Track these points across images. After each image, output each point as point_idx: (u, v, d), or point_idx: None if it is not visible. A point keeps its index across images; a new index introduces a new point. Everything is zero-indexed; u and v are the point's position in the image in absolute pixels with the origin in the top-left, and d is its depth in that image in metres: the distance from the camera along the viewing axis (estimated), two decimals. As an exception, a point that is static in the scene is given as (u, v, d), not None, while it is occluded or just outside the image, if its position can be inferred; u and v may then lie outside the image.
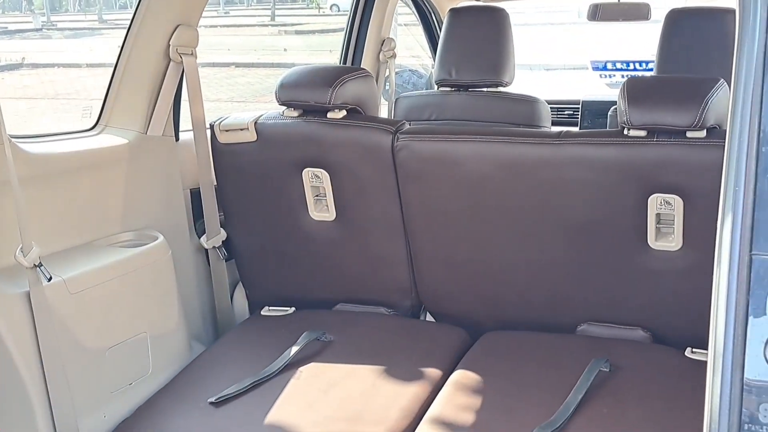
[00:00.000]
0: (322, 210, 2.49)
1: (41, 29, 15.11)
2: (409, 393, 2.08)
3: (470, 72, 3.27)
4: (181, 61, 2.42)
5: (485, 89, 3.30)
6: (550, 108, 3.44)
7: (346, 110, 2.40)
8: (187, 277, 2.58)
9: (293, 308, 2.60)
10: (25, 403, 1.94)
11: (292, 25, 17.80)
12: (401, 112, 3.37)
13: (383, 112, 3.67)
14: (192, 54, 2.46)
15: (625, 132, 2.10)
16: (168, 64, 2.42)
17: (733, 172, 1.05)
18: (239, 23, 19.85)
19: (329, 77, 2.38)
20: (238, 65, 13.68)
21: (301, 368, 2.21)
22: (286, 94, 2.43)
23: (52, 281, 1.93)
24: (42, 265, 1.90)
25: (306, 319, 2.49)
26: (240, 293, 2.76)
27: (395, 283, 2.50)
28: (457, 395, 2.06)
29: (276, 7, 20.13)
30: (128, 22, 2.39)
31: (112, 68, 2.39)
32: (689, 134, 2.05)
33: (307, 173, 2.44)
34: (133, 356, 2.22)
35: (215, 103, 10.25)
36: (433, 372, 2.17)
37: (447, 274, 2.41)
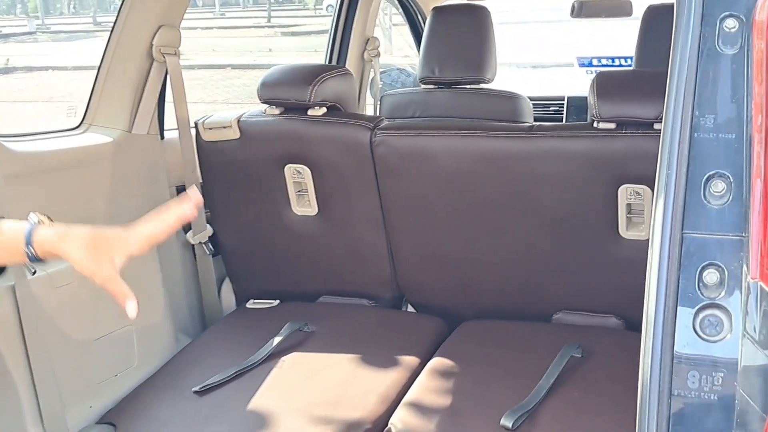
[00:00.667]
0: (304, 205, 2.55)
1: (35, 32, 15.18)
2: (388, 380, 2.14)
3: (453, 69, 3.32)
4: (165, 61, 2.48)
5: (468, 86, 3.35)
6: (536, 104, 3.50)
7: (326, 107, 2.46)
8: (174, 272, 2.65)
9: (278, 301, 2.66)
10: (12, 394, 2.00)
11: (288, 26, 17.87)
12: (386, 110, 3.42)
13: (371, 111, 3.73)
14: (175, 54, 2.51)
15: (595, 125, 2.17)
16: (151, 64, 2.48)
17: (666, 156, 1.11)
18: (235, 25, 19.94)
19: (309, 75, 2.44)
20: (234, 67, 13.75)
21: (283, 358, 2.27)
22: (268, 93, 2.49)
23: (36, 275, 1.99)
24: None
25: (290, 311, 2.55)
26: (227, 287, 2.82)
27: (376, 276, 2.56)
28: (434, 381, 2.12)
29: (272, 8, 20.21)
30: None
31: (96, 68, 2.45)
32: (656, 126, 2.11)
33: (290, 169, 2.50)
34: (118, 348, 2.28)
35: (211, 105, 10.30)
36: (411, 360, 2.24)
37: (426, 266, 2.47)
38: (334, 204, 2.51)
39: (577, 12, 3.82)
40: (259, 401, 2.08)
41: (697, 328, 1.05)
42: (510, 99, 3.32)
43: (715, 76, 1.14)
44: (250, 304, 2.67)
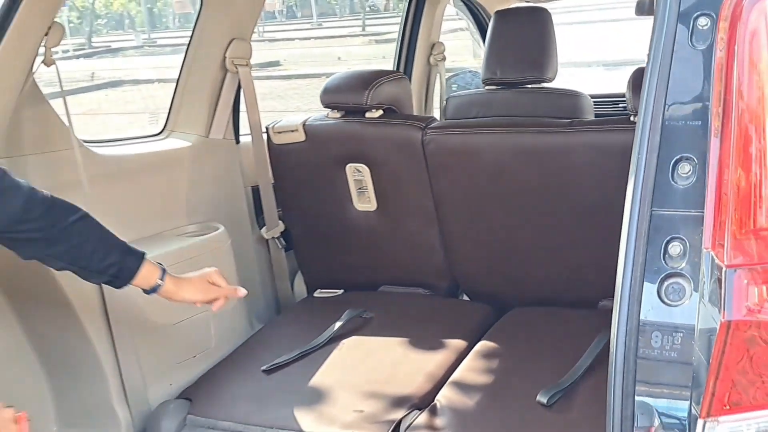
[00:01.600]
0: (364, 201, 2.74)
1: (142, 46, 16.04)
2: (436, 361, 2.30)
3: (514, 70, 3.44)
4: (237, 72, 2.72)
5: (529, 86, 3.47)
6: (602, 102, 3.58)
7: (383, 109, 2.65)
8: (250, 265, 2.89)
9: (342, 290, 2.86)
10: (99, 373, 2.25)
11: (382, 34, 18.20)
12: (451, 111, 3.57)
13: (437, 113, 3.89)
14: (246, 65, 2.75)
15: (631, 118, 2.27)
16: (225, 75, 2.73)
17: (638, 141, 1.24)
18: (332, 35, 20.42)
19: (366, 81, 2.64)
20: (329, 76, 14.18)
21: (343, 341, 2.46)
22: (329, 98, 2.70)
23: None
24: None
25: (352, 299, 2.74)
26: (300, 279, 3.05)
27: (431, 266, 2.72)
28: (478, 362, 2.26)
29: (366, 17, 20.59)
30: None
31: (176, 80, 2.72)
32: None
33: (350, 168, 2.70)
34: (197, 332, 2.53)
35: (307, 113, 10.65)
36: (459, 343, 2.39)
37: (476, 256, 2.62)
38: (392, 199, 2.69)
39: (640, 10, 3.86)
40: (319, 379, 2.28)
41: (662, 295, 1.17)
42: (570, 97, 3.41)
43: (687, 69, 1.26)
44: (317, 294, 2.88)
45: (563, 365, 2.16)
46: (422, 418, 2.05)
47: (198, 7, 2.72)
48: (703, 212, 1.16)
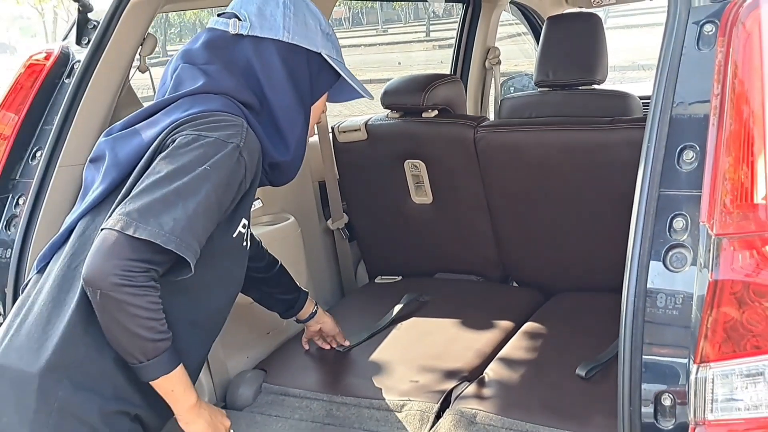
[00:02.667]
0: (421, 195, 2.98)
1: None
2: (485, 339, 2.52)
3: (566, 72, 3.62)
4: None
5: (580, 87, 3.65)
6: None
7: (438, 110, 2.88)
8: (317, 253, 3.15)
9: (400, 277, 3.09)
10: None
11: (446, 39, 18.43)
12: (505, 112, 3.77)
13: (492, 114, 4.10)
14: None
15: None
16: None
17: (648, 131, 1.44)
18: (396, 41, 20.77)
19: (422, 83, 2.87)
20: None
21: (401, 322, 2.70)
22: (389, 99, 2.95)
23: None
24: None
25: (410, 284, 2.98)
26: (362, 267, 3.30)
27: (483, 255, 2.94)
28: (524, 341, 2.47)
29: (431, 22, 20.86)
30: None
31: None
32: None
33: (408, 164, 2.94)
34: (270, 312, 2.79)
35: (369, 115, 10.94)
36: (507, 324, 2.60)
37: (525, 245, 2.82)
38: (446, 193, 2.91)
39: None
40: (379, 354, 2.52)
41: (667, 263, 1.37)
42: (620, 98, 3.57)
43: (693, 69, 1.46)
44: (377, 280, 3.12)
45: (603, 343, 2.35)
46: (471, 388, 2.27)
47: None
48: (701, 192, 1.36)
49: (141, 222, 1.45)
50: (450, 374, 2.34)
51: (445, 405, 2.19)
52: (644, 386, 1.35)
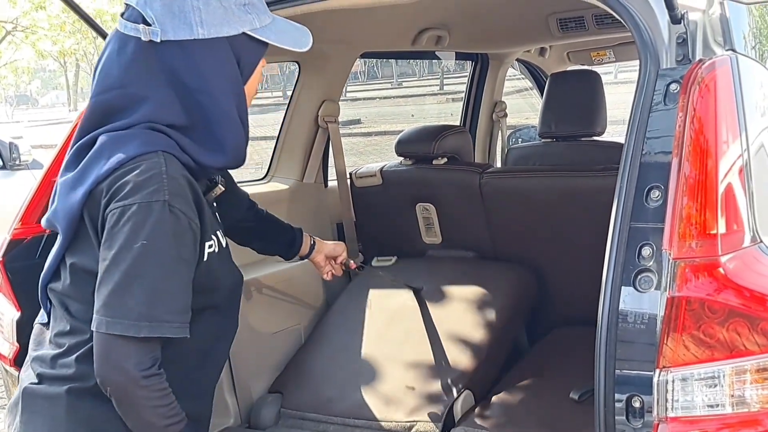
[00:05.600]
0: (431, 235, 3.23)
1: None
2: (479, 336, 2.74)
3: (568, 125, 3.90)
4: (327, 128, 3.28)
5: (581, 138, 3.92)
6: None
7: (447, 158, 3.15)
8: (334, 289, 3.39)
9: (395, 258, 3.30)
10: None
11: (459, 92, 18.87)
12: (511, 161, 4.06)
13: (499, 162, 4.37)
14: (335, 122, 3.31)
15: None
16: (317, 130, 3.29)
17: (621, 173, 1.69)
18: (411, 94, 21.26)
19: (433, 133, 3.15)
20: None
21: (398, 320, 2.91)
22: (402, 148, 3.23)
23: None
24: None
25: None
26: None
27: None
28: (524, 369, 2.70)
29: (444, 76, 21.37)
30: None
31: (277, 133, 3.30)
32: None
33: (420, 207, 3.20)
34: (290, 341, 3.03)
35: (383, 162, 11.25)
36: (499, 313, 2.84)
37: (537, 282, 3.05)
38: (454, 234, 3.17)
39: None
40: (379, 363, 2.72)
41: (636, 284, 1.61)
42: (617, 148, 3.82)
43: (660, 122, 1.71)
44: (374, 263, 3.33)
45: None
46: (474, 410, 2.49)
47: (297, 73, 3.31)
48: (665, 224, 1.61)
49: (111, 317, 1.46)
50: (449, 385, 2.54)
51: (449, 422, 2.41)
52: (617, 390, 1.58)
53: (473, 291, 2.92)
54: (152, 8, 1.56)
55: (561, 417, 2.38)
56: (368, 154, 11.95)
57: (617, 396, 1.59)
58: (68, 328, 1.62)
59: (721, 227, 1.54)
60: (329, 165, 3.46)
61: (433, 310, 2.87)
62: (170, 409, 1.54)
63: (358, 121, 16.97)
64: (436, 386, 2.54)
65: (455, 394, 2.50)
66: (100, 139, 1.57)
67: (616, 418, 1.58)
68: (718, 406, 1.50)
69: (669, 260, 1.55)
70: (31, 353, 1.70)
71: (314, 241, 2.41)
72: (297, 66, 3.30)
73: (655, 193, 1.65)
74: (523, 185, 2.96)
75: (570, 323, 3.02)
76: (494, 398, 2.54)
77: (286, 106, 3.32)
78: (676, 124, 1.67)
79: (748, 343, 1.48)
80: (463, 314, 2.82)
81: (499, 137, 4.38)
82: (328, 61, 3.21)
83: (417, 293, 2.94)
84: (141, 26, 1.56)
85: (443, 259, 3.20)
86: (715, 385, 1.49)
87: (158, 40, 1.55)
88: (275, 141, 3.32)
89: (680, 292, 1.50)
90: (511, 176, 2.98)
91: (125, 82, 1.58)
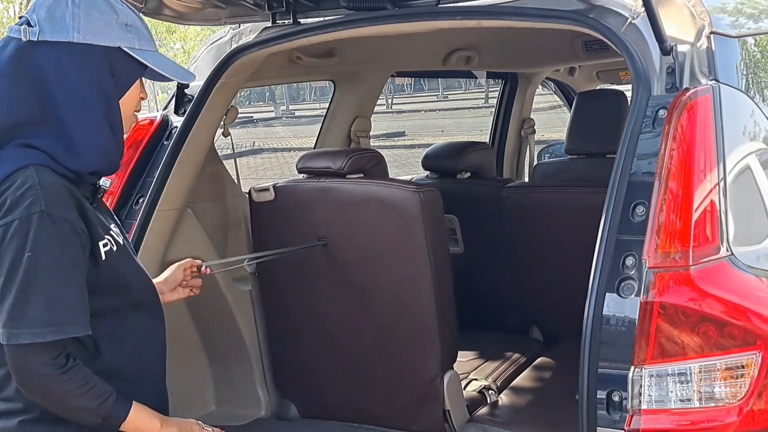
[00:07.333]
0: (453, 245, 3.39)
1: (281, 117, 17.44)
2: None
3: (594, 142, 4.04)
4: (359, 142, 3.49)
5: (607, 155, 4.06)
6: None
7: (470, 172, 3.34)
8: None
9: None
10: (247, 363, 2.95)
11: (504, 105, 18.93)
12: (538, 177, 4.19)
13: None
14: (366, 136, 3.53)
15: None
16: (350, 144, 3.51)
17: (610, 190, 1.87)
18: (456, 107, 21.36)
19: (457, 150, 3.35)
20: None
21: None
22: (429, 163, 3.43)
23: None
24: None
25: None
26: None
27: (506, 303, 3.34)
28: (534, 373, 2.88)
29: (489, 89, 21.44)
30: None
31: (314, 146, 3.53)
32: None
33: (444, 219, 3.39)
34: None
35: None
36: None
37: (545, 293, 3.21)
38: (477, 245, 3.35)
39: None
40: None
41: (620, 291, 1.78)
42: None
43: (647, 143, 1.88)
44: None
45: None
46: (484, 409, 2.66)
47: (333, 90, 3.54)
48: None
49: (16, 329, 1.56)
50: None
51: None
52: (599, 387, 1.76)
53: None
54: (38, 14, 1.67)
55: (566, 417, 2.54)
56: (410, 166, 12.13)
57: (599, 391, 1.76)
58: None
59: (694, 240, 1.71)
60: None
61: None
62: (97, 390, 1.64)
63: (402, 134, 17.14)
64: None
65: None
66: None
67: (598, 412, 1.75)
68: (687, 400, 1.66)
69: (646, 269, 1.72)
70: None
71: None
72: (333, 84, 3.53)
73: (640, 209, 1.83)
74: (542, 199, 3.13)
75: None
76: (505, 398, 2.71)
77: (321, 122, 3.55)
78: (661, 146, 1.85)
79: (714, 346, 1.65)
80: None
81: (527, 153, 4.54)
82: (361, 80, 3.43)
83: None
84: (23, 27, 1.66)
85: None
86: (684, 382, 1.66)
87: (35, 39, 1.64)
88: (310, 154, 3.55)
89: (654, 298, 1.68)
90: (531, 191, 3.16)
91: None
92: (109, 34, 1.68)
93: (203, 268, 2.17)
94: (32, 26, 1.66)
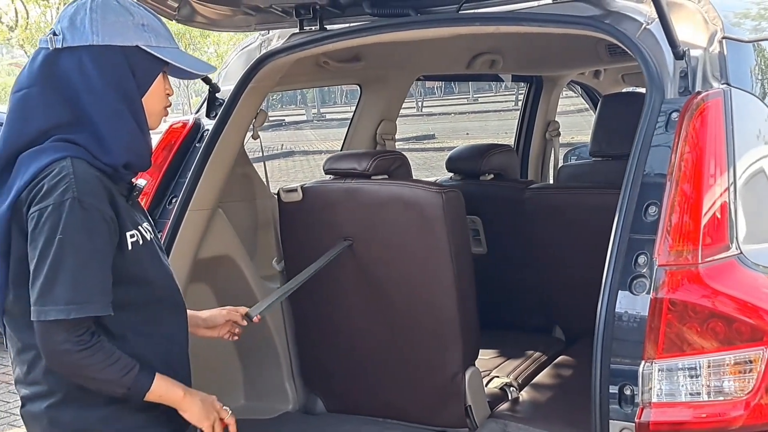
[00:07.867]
0: (477, 246, 3.48)
1: (312, 120, 17.61)
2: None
3: (617, 144, 4.08)
4: (384, 144, 3.58)
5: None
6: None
7: (493, 174, 3.41)
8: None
9: None
10: (275, 359, 3.04)
11: (534, 108, 18.90)
12: (563, 178, 4.25)
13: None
14: (391, 139, 3.61)
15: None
16: (375, 147, 3.59)
17: (623, 190, 1.93)
18: (486, 109, 21.38)
19: (480, 152, 3.42)
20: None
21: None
22: (452, 165, 3.50)
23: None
24: None
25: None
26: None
27: (528, 304, 3.39)
28: (554, 371, 2.93)
29: (519, 91, 21.40)
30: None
31: (341, 147, 3.62)
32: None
33: (467, 220, 3.45)
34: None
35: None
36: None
37: (567, 293, 3.26)
38: (500, 245, 3.41)
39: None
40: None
41: (632, 288, 1.84)
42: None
43: (660, 145, 1.94)
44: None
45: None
46: (504, 405, 2.73)
47: (359, 93, 3.63)
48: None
49: (45, 306, 1.68)
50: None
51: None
52: (612, 380, 1.82)
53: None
54: (62, 24, 1.81)
55: (586, 415, 2.60)
56: (439, 169, 12.20)
57: (611, 385, 1.82)
58: (21, 345, 1.82)
59: (704, 239, 1.77)
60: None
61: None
62: (121, 363, 1.74)
63: (432, 136, 17.23)
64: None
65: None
66: (19, 158, 1.79)
67: (611, 406, 1.82)
68: (696, 394, 1.72)
69: (656, 266, 1.78)
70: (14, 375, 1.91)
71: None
72: (359, 87, 3.62)
73: (653, 209, 1.89)
74: (564, 200, 3.19)
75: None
76: (526, 394, 2.77)
77: (348, 125, 3.64)
78: (673, 148, 1.90)
79: (722, 341, 1.70)
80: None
81: (552, 155, 4.59)
82: (387, 84, 3.51)
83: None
84: (50, 37, 1.81)
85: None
86: (694, 376, 1.72)
87: (60, 46, 1.78)
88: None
89: (664, 295, 1.74)
90: (552, 192, 3.22)
91: (25, 84, 1.81)
92: (125, 34, 1.79)
93: (254, 318, 2.32)
94: (57, 35, 1.79)
